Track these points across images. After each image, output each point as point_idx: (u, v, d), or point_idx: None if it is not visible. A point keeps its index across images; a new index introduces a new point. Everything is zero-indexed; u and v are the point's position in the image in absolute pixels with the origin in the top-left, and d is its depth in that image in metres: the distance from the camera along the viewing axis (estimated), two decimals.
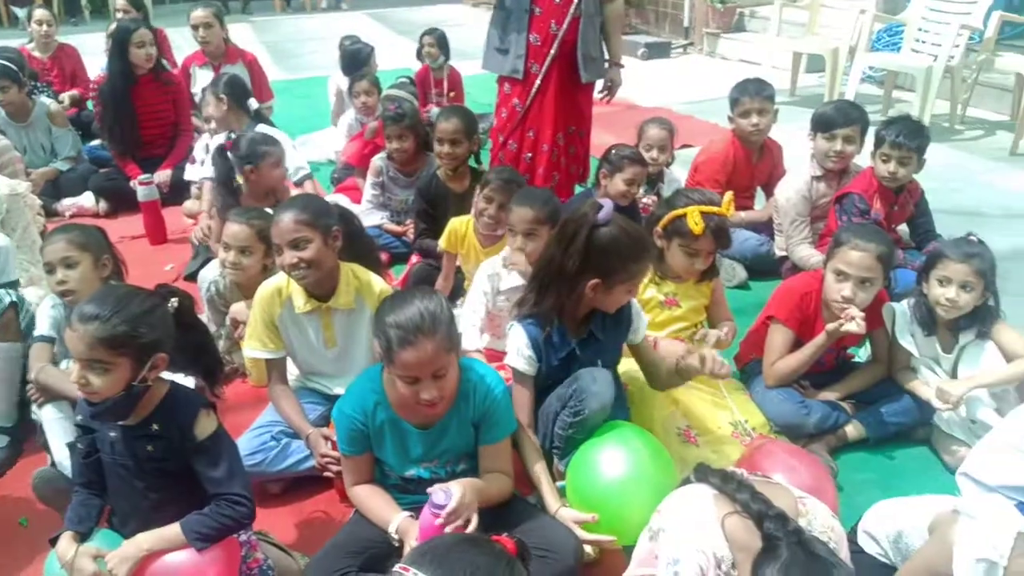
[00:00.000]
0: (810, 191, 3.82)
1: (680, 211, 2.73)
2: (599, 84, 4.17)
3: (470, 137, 3.86)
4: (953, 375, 2.77)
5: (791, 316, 2.81)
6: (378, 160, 4.37)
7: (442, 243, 3.55)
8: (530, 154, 3.97)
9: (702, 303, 2.96)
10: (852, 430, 2.78)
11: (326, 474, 2.48)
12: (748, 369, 3.00)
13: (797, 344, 2.82)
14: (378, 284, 2.64)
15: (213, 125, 4.47)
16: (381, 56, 6.27)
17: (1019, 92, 6.02)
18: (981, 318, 2.70)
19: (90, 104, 5.80)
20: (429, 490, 1.98)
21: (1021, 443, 2.22)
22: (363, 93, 5.33)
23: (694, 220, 2.67)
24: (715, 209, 2.71)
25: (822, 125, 3.79)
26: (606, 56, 4.10)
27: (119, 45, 4.91)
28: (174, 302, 1.98)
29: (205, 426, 1.97)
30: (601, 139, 5.31)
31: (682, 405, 2.65)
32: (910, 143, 3.44)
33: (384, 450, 2.18)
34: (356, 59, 5.71)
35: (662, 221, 2.81)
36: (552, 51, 3.82)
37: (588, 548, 2.21)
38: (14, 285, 3.03)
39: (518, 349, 2.37)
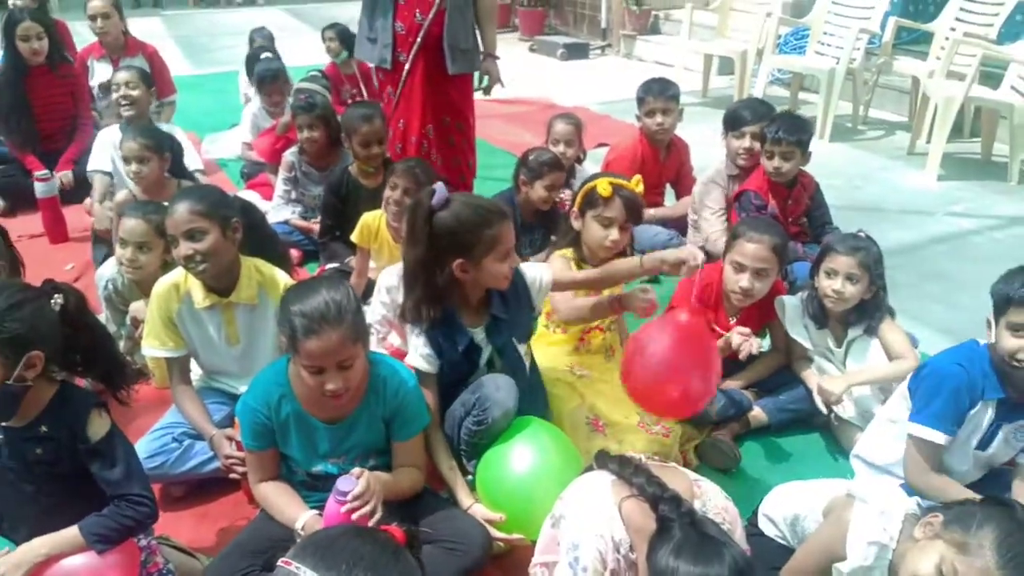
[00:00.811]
0: (727, 187, 3.90)
1: (591, 184, 2.77)
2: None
3: (388, 134, 3.83)
4: (845, 368, 2.86)
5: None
6: (290, 155, 4.29)
7: (355, 237, 3.51)
8: (400, 144, 3.92)
9: (619, 291, 3.00)
10: (754, 417, 2.86)
11: (232, 476, 2.41)
12: None
13: None
14: (283, 279, 2.58)
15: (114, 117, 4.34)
16: (297, 52, 6.13)
17: (916, 94, 6.28)
18: (869, 313, 2.79)
19: None
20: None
21: (895, 414, 2.33)
22: (274, 92, 5.20)
23: (603, 186, 2.71)
24: (624, 182, 2.76)
25: (732, 123, 3.88)
26: (482, 48, 4.00)
27: (7, 35, 4.73)
28: (58, 299, 1.87)
29: (98, 427, 1.90)
30: (521, 138, 5.38)
31: (588, 399, 2.67)
32: (790, 137, 3.53)
33: (289, 445, 2.13)
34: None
35: (576, 200, 2.83)
36: (418, 40, 3.73)
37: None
38: None
39: (416, 348, 2.34)
